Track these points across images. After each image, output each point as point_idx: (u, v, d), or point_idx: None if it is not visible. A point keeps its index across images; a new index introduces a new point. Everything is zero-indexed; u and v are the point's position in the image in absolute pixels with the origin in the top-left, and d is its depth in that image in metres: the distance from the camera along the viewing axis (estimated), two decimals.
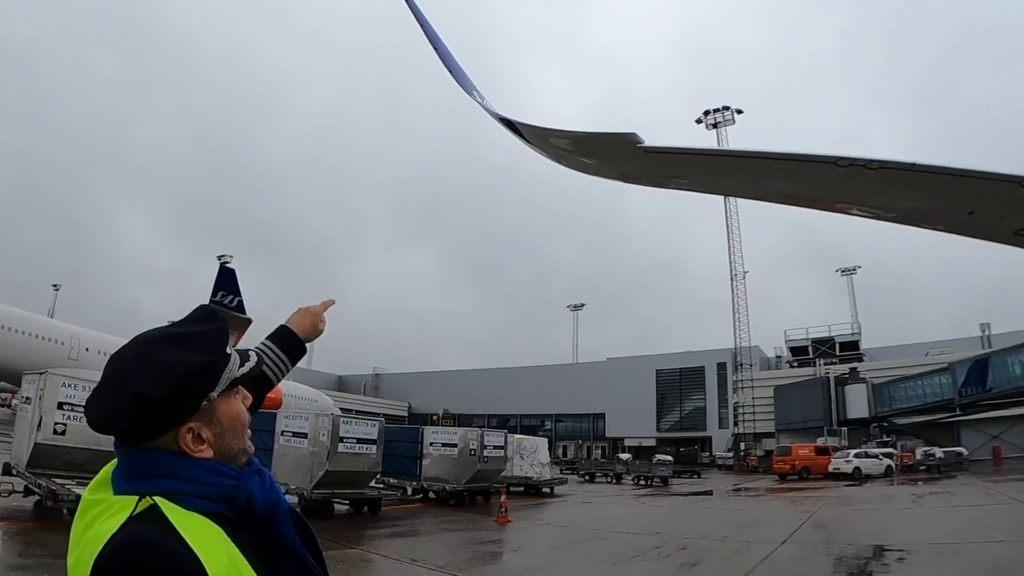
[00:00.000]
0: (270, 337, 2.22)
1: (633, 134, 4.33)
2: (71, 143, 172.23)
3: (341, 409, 53.21)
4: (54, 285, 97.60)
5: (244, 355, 1.64)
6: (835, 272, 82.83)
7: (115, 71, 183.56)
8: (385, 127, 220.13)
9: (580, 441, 79.65)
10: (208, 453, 1.47)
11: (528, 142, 4.92)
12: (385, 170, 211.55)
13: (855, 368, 64.76)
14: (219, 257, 78.69)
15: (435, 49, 5.16)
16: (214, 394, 1.49)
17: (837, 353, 71.67)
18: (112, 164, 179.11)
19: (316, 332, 2.31)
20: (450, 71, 5.10)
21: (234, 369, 1.55)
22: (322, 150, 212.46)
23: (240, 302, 38.01)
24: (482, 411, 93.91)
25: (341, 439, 18.27)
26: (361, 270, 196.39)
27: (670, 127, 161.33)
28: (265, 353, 2.12)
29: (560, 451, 69.26)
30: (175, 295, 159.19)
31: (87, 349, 43.45)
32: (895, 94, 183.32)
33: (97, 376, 1.54)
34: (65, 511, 12.74)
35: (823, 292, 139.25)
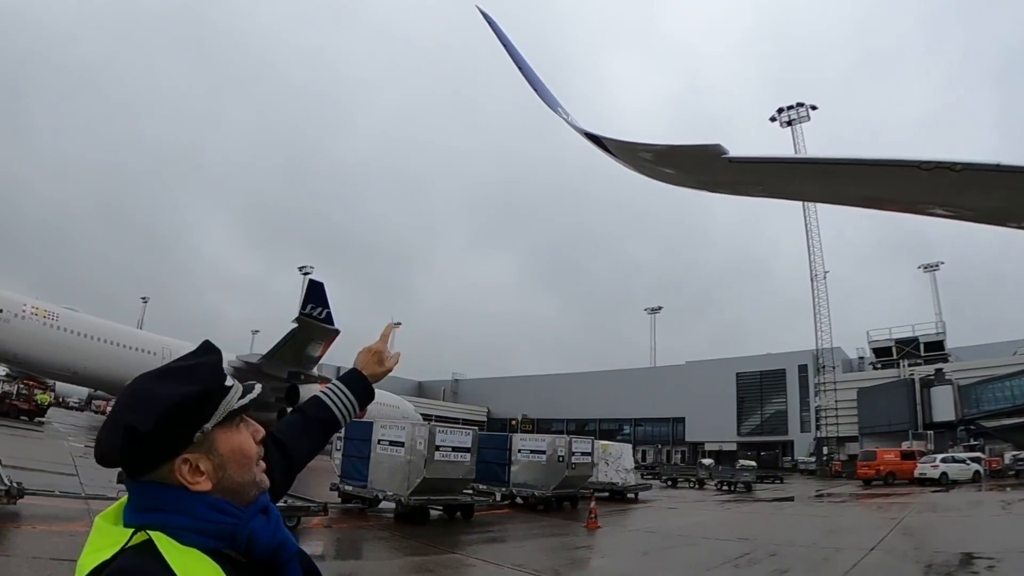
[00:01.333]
0: (341, 378, 2.31)
1: (718, 145, 4.27)
2: (151, 155, 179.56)
3: (421, 415, 54.36)
4: (143, 298, 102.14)
5: (248, 387, 1.62)
6: (918, 268, 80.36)
7: (192, 84, 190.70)
8: (459, 130, 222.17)
9: (660, 445, 79.56)
10: (206, 486, 1.47)
11: (613, 155, 4.95)
12: (461, 173, 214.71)
13: (940, 369, 62.96)
14: (300, 268, 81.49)
15: (519, 68, 5.26)
16: (208, 425, 1.48)
17: (922, 354, 69.60)
18: (190, 175, 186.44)
19: (383, 369, 2.38)
20: (535, 89, 5.19)
21: (232, 401, 1.53)
22: (397, 154, 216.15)
23: (328, 314, 39.73)
24: (561, 415, 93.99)
25: (437, 447, 18.69)
26: (439, 274, 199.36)
27: (749, 116, 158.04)
28: (335, 393, 2.23)
29: (639, 456, 69.02)
30: (256, 303, 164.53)
31: None
32: (982, 71, 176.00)
33: None
34: None
35: (907, 288, 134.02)
